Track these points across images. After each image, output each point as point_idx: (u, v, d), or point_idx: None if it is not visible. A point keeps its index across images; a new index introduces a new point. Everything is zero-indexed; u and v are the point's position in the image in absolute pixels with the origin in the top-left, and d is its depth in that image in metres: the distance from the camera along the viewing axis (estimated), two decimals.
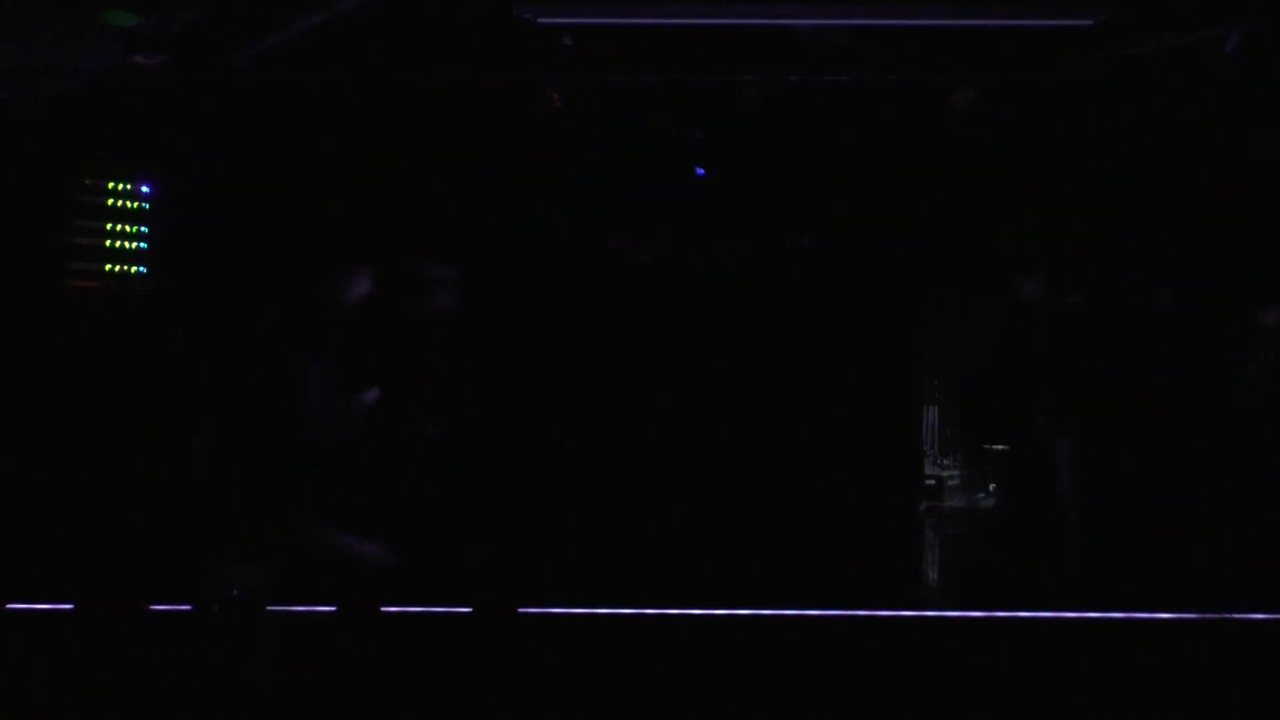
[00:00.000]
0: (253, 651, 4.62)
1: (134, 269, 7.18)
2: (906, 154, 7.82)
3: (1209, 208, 7.26)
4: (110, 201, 7.15)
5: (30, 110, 6.92)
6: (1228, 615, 5.79)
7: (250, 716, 4.47)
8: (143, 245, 7.22)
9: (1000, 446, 7.23)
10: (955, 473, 8.74)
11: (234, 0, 6.54)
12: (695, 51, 7.08)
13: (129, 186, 7.20)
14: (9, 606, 5.67)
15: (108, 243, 7.14)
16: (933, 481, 8.60)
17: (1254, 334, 6.68)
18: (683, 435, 7.56)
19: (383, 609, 5.32)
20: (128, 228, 7.19)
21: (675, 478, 7.46)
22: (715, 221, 8.27)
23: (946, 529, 8.07)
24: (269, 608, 4.64)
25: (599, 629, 5.72)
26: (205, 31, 6.67)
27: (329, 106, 7.36)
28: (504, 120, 7.69)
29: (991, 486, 8.05)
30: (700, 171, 8.55)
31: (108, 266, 7.12)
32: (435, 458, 5.59)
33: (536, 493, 7.11)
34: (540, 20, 6.13)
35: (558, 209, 8.12)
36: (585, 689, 4.86)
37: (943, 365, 7.48)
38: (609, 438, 7.64)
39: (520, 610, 5.60)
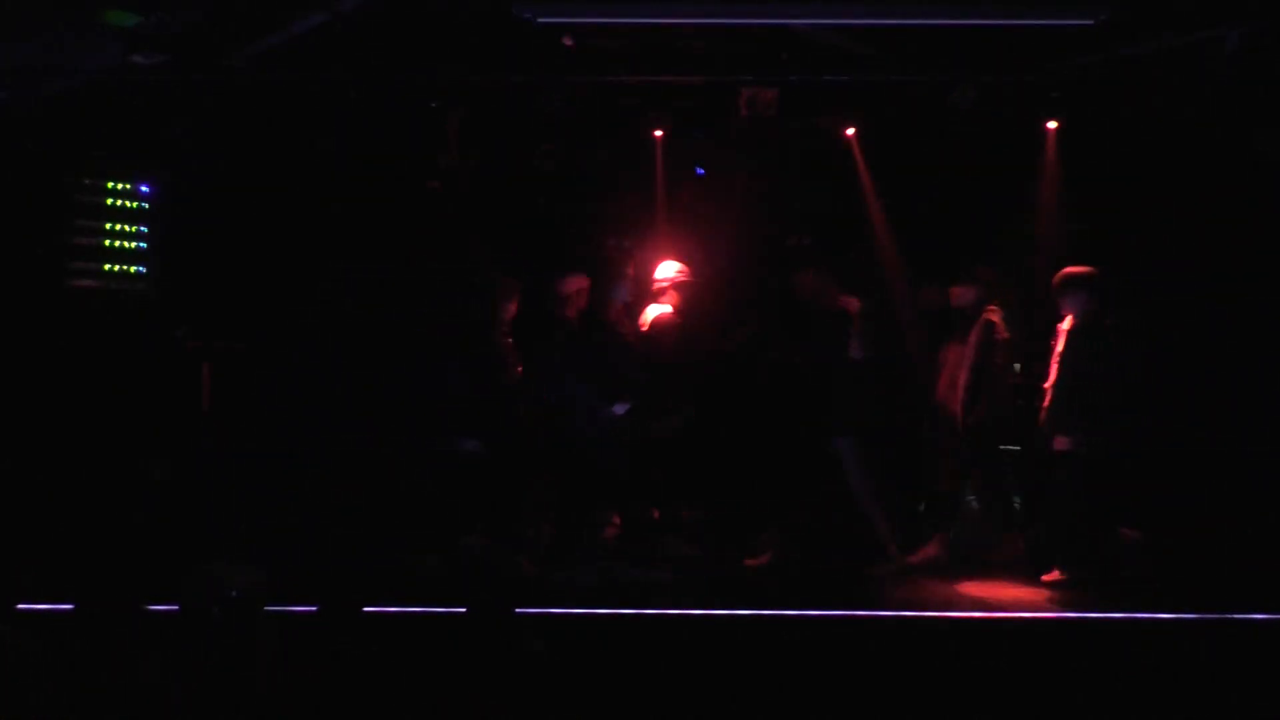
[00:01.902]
0: (252, 651, 4.62)
1: (134, 269, 7.18)
2: (906, 154, 7.82)
3: (1208, 207, 7.25)
4: (110, 201, 7.15)
5: (30, 110, 6.92)
6: (1228, 615, 5.79)
7: (249, 716, 4.47)
8: (143, 245, 7.22)
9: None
10: None
11: (234, 0, 6.54)
12: (695, 51, 7.08)
13: (129, 186, 7.20)
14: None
15: (108, 243, 7.14)
16: None
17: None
18: (681, 434, 7.54)
19: (364, 609, 5.31)
20: (128, 228, 7.19)
21: (674, 479, 7.44)
22: (715, 221, 8.26)
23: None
24: (267, 608, 4.64)
25: (598, 629, 5.72)
26: (205, 31, 6.67)
27: (329, 106, 7.36)
28: (504, 120, 7.69)
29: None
30: (700, 171, 8.55)
31: (108, 266, 7.12)
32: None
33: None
34: (540, 20, 6.12)
35: (558, 209, 8.13)
36: (585, 689, 4.86)
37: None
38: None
39: (517, 610, 5.59)
